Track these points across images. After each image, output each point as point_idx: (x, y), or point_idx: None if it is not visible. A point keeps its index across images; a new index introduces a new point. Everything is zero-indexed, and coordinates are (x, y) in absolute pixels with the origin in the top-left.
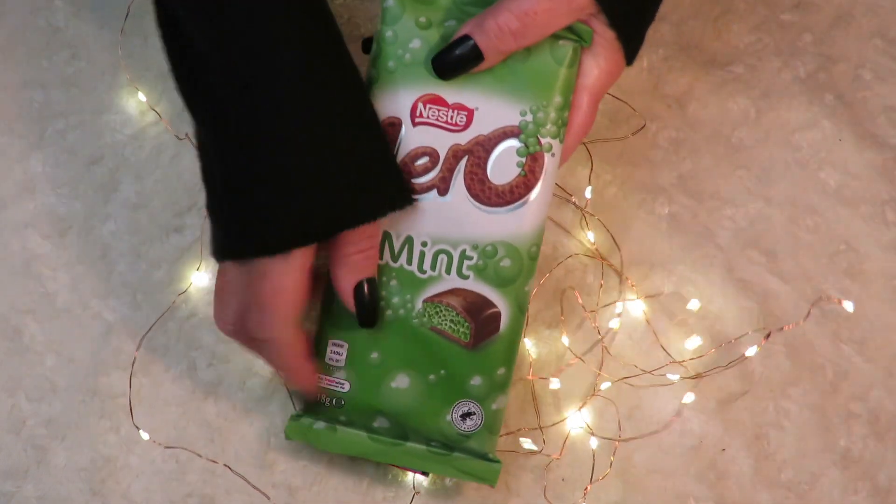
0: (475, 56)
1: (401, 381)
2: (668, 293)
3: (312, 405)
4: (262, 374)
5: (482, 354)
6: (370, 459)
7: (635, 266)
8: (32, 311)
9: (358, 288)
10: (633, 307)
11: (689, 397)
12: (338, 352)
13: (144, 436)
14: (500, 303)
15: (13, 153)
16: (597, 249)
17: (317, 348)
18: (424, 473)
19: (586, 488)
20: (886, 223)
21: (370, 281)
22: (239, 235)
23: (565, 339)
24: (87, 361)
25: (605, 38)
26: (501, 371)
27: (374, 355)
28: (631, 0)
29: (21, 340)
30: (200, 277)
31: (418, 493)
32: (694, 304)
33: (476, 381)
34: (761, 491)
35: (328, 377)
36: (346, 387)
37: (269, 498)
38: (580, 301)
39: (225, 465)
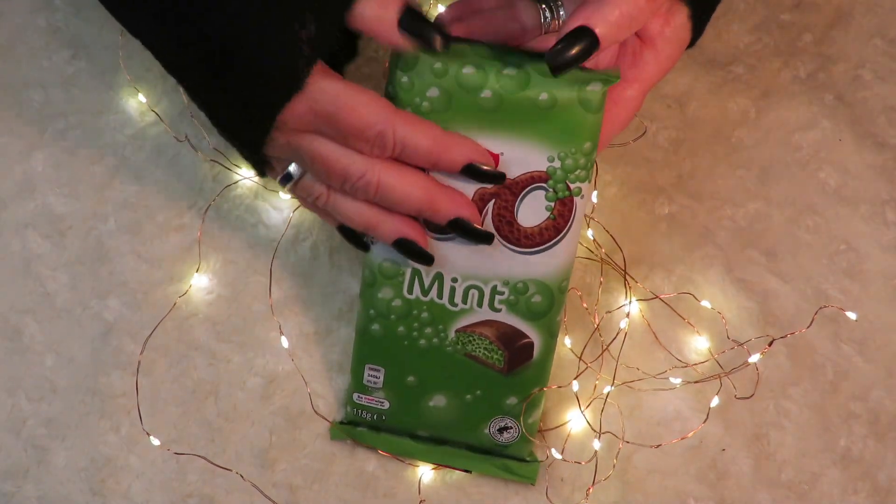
0: (593, 47)
1: (438, 401)
2: (667, 293)
3: (353, 417)
4: (262, 375)
5: (517, 379)
6: (414, 459)
7: (635, 266)
8: (32, 311)
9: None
10: (634, 308)
11: (714, 401)
12: (375, 375)
13: (155, 442)
14: (533, 333)
15: (13, 153)
16: (602, 251)
17: (354, 372)
18: (467, 471)
19: (588, 489)
20: (886, 223)
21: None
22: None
23: (567, 341)
24: (87, 361)
25: (671, 24)
26: (536, 390)
27: (411, 378)
28: None
29: (21, 340)
30: (200, 278)
31: (423, 500)
32: (694, 305)
33: (512, 400)
34: (761, 491)
35: (367, 396)
36: (386, 405)
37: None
38: (584, 305)
39: (237, 473)
